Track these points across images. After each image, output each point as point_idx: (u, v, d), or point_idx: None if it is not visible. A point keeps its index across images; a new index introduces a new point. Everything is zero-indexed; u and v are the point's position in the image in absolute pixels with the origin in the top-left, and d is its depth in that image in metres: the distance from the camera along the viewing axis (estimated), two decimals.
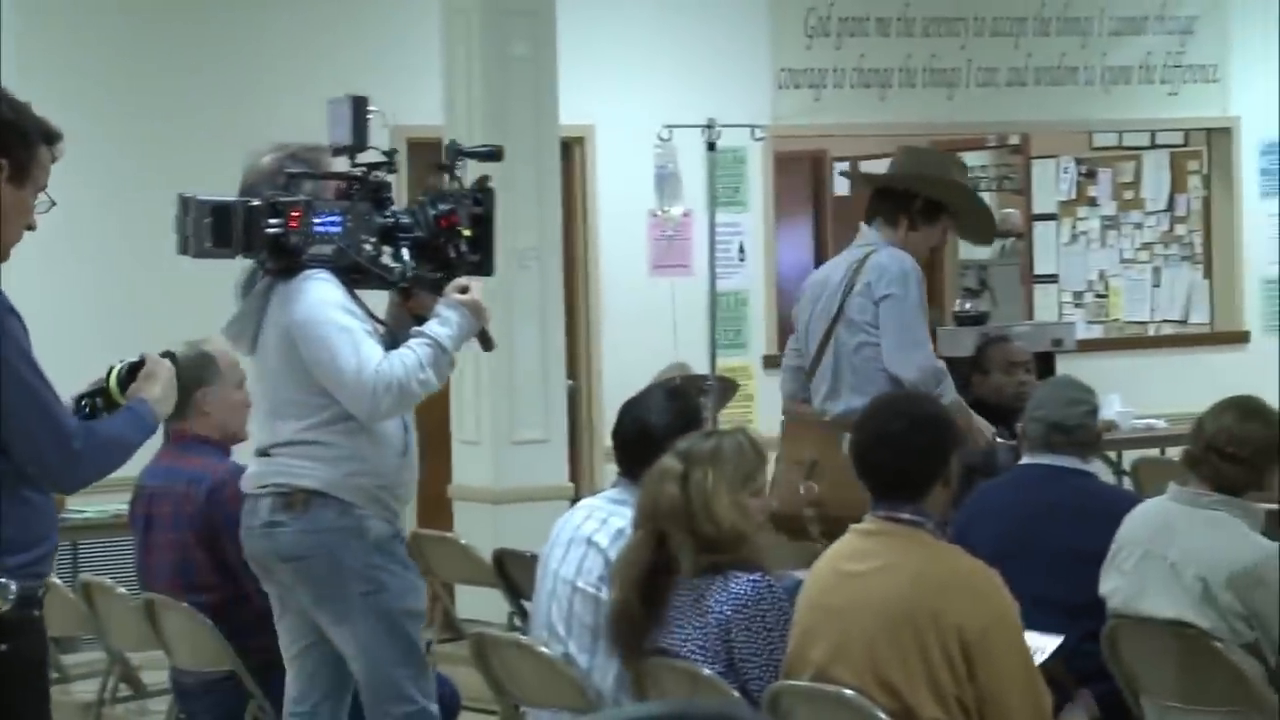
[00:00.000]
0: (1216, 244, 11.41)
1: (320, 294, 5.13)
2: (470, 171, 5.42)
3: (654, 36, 9.93)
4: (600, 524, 5.07)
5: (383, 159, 5.29)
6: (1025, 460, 5.80)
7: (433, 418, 8.89)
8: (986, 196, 15.00)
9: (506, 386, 8.21)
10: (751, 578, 4.58)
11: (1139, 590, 5.18)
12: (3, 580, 3.94)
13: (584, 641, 5.00)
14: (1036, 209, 12.72)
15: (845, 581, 4.45)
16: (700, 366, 9.05)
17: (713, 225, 9.44)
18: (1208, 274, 11.53)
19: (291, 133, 8.73)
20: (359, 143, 5.27)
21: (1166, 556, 5.13)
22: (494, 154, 5.49)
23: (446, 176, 5.37)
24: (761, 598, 4.57)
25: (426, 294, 5.28)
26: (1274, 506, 5.23)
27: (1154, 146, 12.05)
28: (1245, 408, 5.22)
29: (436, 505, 8.79)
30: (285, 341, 5.18)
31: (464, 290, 5.21)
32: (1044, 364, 10.04)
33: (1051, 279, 12.58)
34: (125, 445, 4.11)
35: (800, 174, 12.91)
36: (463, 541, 7.25)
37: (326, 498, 5.16)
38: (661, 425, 5.13)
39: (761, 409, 9.99)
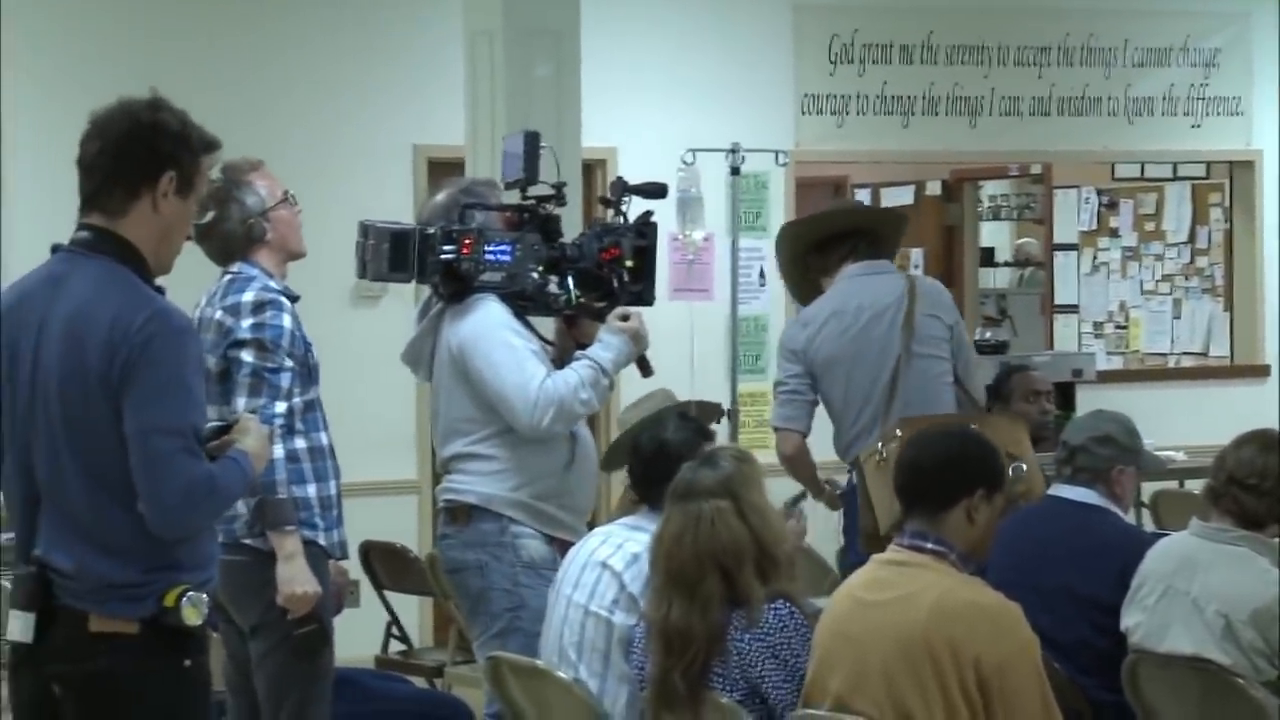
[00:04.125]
0: (1238, 277, 11.37)
1: (488, 313, 5.53)
2: (634, 207, 5.76)
3: (678, 60, 9.92)
4: (615, 549, 5.04)
5: (551, 192, 5.68)
6: (1049, 491, 5.79)
7: None
8: (1006, 225, 15.09)
9: None
10: (774, 606, 4.55)
11: (1161, 626, 5.15)
12: (193, 593, 3.91)
13: (595, 666, 4.97)
14: (1057, 239, 12.69)
15: (864, 610, 4.41)
16: (721, 391, 9.02)
17: (735, 250, 9.42)
18: (1228, 307, 11.49)
19: (309, 151, 8.82)
20: (530, 176, 5.66)
21: (1188, 592, 5.11)
22: (659, 191, 5.86)
23: (611, 211, 5.74)
24: (784, 625, 4.53)
25: (589, 321, 5.66)
26: None
27: (1176, 178, 12.02)
28: (1266, 440, 5.22)
29: None
30: (455, 361, 5.58)
31: (625, 318, 5.59)
32: (1063, 395, 10.02)
33: (1072, 309, 12.55)
34: (225, 493, 4.02)
35: (822, 200, 12.87)
36: None
37: (486, 512, 5.55)
38: (678, 442, 5.10)
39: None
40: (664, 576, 4.60)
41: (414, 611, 8.61)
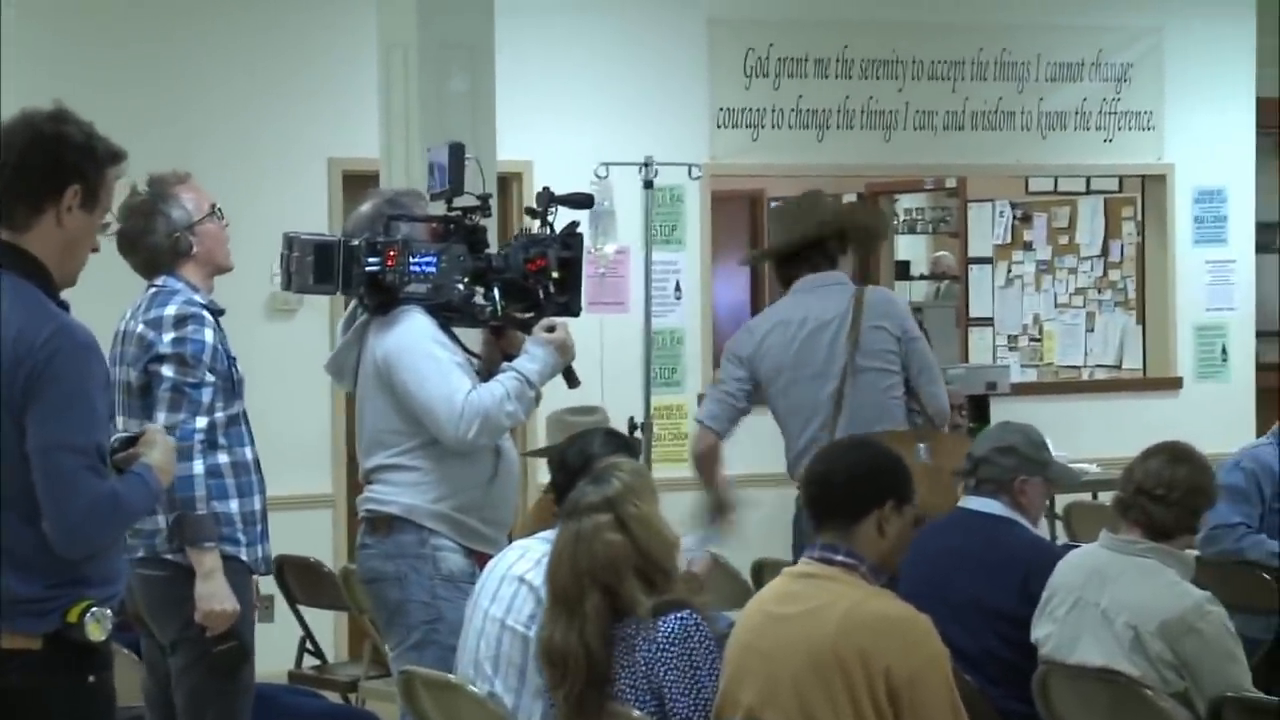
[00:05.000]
0: (1150, 290, 11.45)
1: (413, 326, 5.53)
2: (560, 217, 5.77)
3: (593, 73, 9.93)
4: (533, 563, 5.02)
5: (477, 203, 5.69)
6: (959, 503, 5.83)
7: None
8: (922, 239, 15.16)
9: None
10: (679, 615, 4.54)
11: (1071, 637, 5.19)
12: (97, 609, 3.87)
13: (511, 681, 4.96)
14: (972, 252, 12.77)
15: (775, 624, 4.42)
16: (635, 404, 9.02)
17: (649, 263, 9.44)
18: (1141, 320, 11.58)
19: (222, 162, 8.78)
20: (455, 188, 5.66)
21: (1098, 604, 5.14)
22: (586, 201, 5.92)
23: (538, 221, 5.73)
24: (689, 635, 4.53)
25: (516, 332, 5.65)
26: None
27: (1089, 192, 12.11)
28: (1174, 452, 5.27)
29: None
30: (380, 373, 5.57)
31: (551, 329, 5.58)
32: (978, 407, 10.08)
33: (987, 322, 12.62)
34: (129, 510, 3.99)
35: (738, 213, 12.93)
36: None
37: (407, 523, 5.54)
38: (603, 457, 5.10)
39: None
40: (550, 597, 4.63)
41: (328, 626, 8.58)
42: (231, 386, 5.34)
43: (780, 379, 6.72)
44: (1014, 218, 12.49)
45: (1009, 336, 12.54)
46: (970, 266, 12.74)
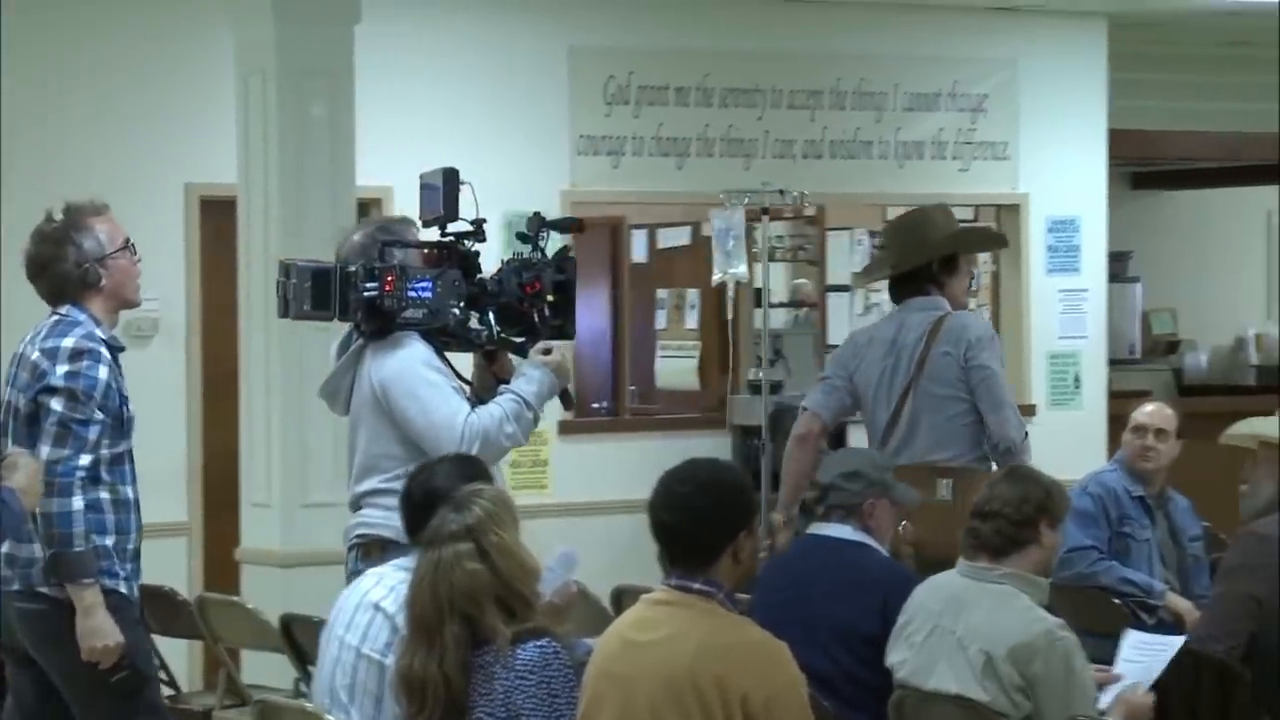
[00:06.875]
0: (1005, 318, 11.60)
1: (410, 352, 5.58)
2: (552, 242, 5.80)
3: (455, 99, 9.94)
4: (389, 590, 5.00)
5: (470, 229, 5.70)
6: (808, 530, 5.88)
7: (223, 478, 8.79)
8: (780, 268, 15.21)
9: (299, 449, 8.11)
10: (538, 644, 4.54)
11: (926, 663, 5.23)
12: None
13: (367, 709, 4.93)
14: (831, 280, 12.84)
15: (632, 650, 4.43)
16: None
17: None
18: None
19: (76, 189, 8.68)
20: (450, 213, 5.69)
21: (954, 631, 5.19)
22: (577, 226, 5.99)
23: (530, 246, 5.76)
24: (548, 663, 4.53)
25: (510, 357, 5.72)
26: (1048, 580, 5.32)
27: None
28: (1002, 473, 5.41)
29: (224, 568, 8.67)
30: (377, 398, 5.60)
31: (547, 352, 5.65)
32: (836, 434, 10.14)
33: None
34: None
35: (598, 240, 12.93)
36: (249, 605, 7.15)
37: (400, 546, 5.40)
38: (447, 489, 5.07)
39: (556, 476, 9.99)
40: (410, 625, 4.61)
41: (182, 656, 8.49)
42: (121, 425, 5.33)
43: (869, 394, 6.87)
44: (872, 246, 12.58)
45: None
46: (829, 294, 12.81)
